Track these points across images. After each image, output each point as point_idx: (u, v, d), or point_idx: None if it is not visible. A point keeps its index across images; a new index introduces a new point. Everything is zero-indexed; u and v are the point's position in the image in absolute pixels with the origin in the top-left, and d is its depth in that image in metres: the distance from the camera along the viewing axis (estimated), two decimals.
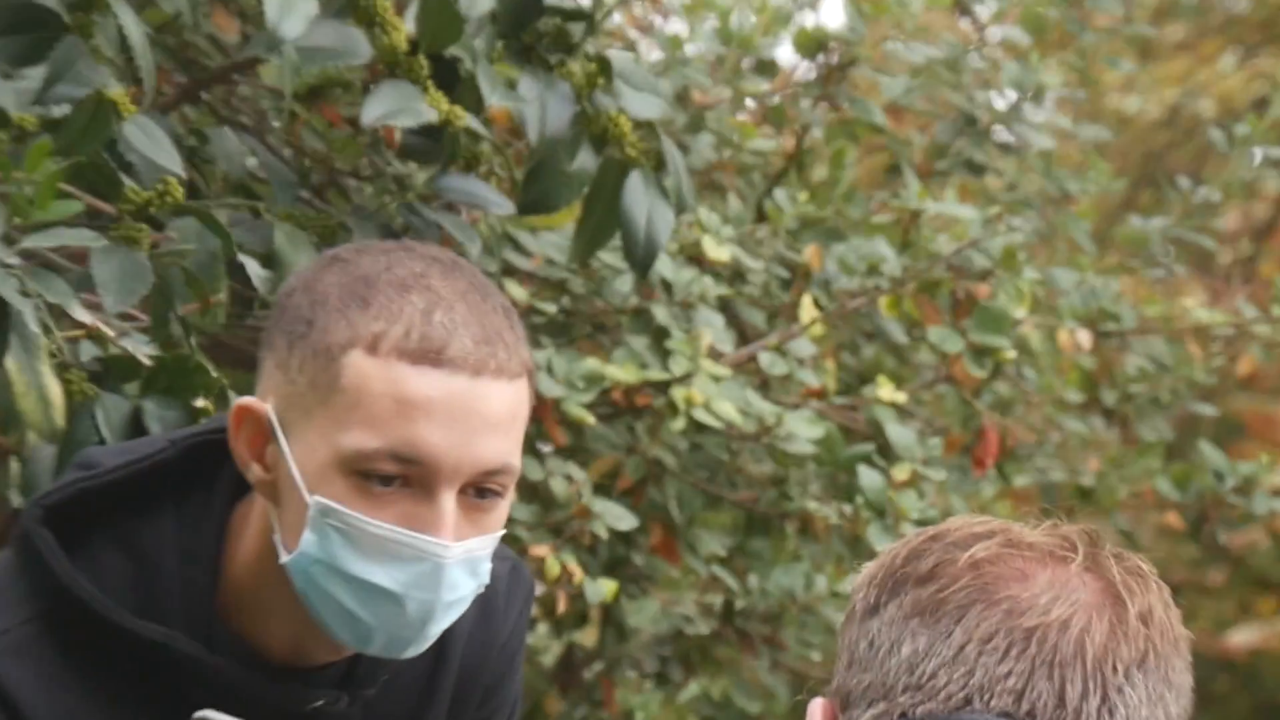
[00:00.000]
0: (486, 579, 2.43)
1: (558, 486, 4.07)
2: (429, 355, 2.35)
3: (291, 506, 2.40)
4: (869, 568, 1.98)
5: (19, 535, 2.47)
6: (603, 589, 4.19)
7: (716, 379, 4.06)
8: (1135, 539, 5.38)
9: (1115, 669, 1.90)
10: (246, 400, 2.42)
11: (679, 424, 4.05)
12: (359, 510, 2.36)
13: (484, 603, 2.48)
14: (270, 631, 2.48)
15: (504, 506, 2.41)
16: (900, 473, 4.18)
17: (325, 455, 2.37)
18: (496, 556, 2.49)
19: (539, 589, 4.14)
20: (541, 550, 4.05)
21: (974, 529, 1.94)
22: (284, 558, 2.41)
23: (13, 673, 2.42)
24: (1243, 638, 14.32)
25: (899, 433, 4.24)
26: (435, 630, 2.42)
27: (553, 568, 4.06)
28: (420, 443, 2.34)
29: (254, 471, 2.43)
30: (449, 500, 2.36)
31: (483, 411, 2.36)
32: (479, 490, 2.39)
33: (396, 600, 2.39)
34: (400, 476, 2.36)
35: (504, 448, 2.37)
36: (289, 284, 2.46)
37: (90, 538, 2.48)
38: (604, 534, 4.14)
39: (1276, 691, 16.23)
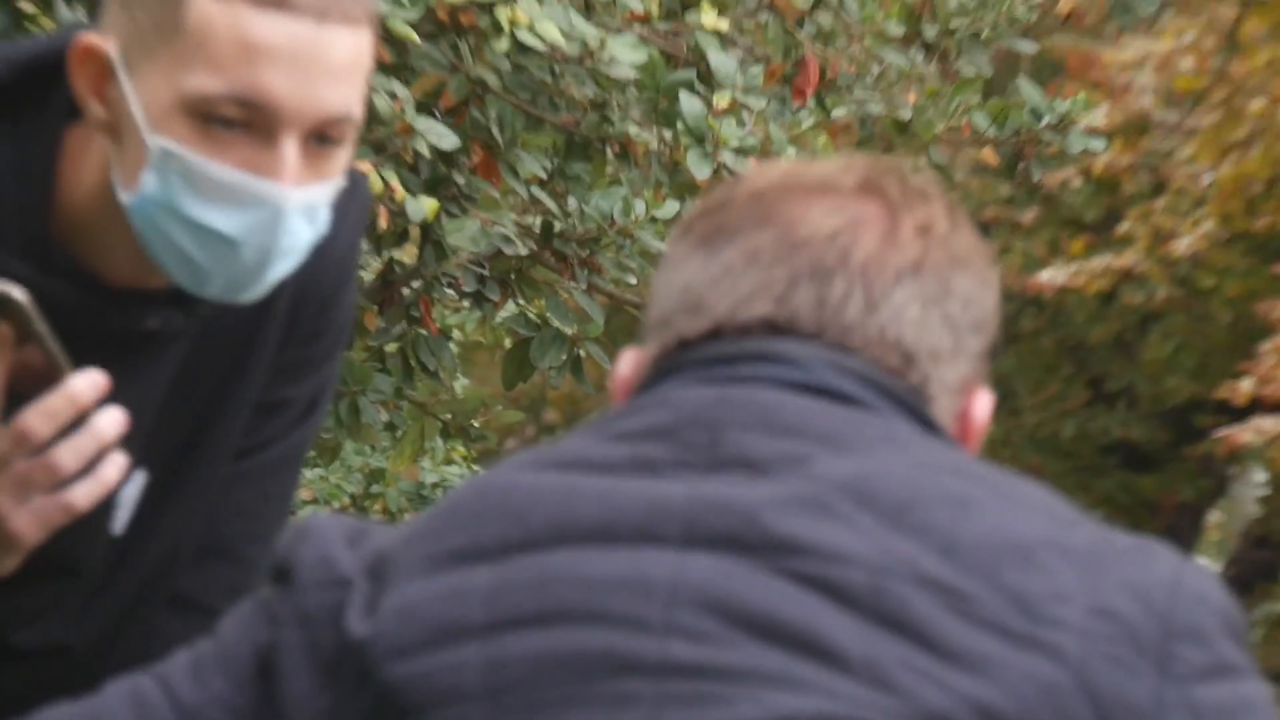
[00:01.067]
0: (324, 228, 2.47)
1: (381, 103, 4.09)
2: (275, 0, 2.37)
3: (132, 146, 2.41)
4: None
5: None
6: (424, 207, 4.24)
7: (541, 1, 4.08)
8: (950, 173, 5.45)
9: (882, 274, 1.98)
10: (87, 38, 2.42)
11: (503, 44, 4.06)
12: (200, 153, 2.38)
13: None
14: (108, 258, 2.51)
15: (344, 154, 2.43)
16: (720, 100, 4.22)
17: (167, 97, 2.38)
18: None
19: None
20: (364, 166, 4.06)
21: (768, 168, 2.02)
22: (123, 198, 2.43)
23: None
24: (1051, 276, 14.52)
25: (720, 60, 4.27)
26: (272, 276, 2.46)
27: (375, 184, 4.09)
28: (263, 87, 2.36)
29: (94, 110, 2.44)
30: (290, 146, 2.38)
31: (326, 58, 2.37)
32: (320, 138, 2.41)
33: (234, 245, 2.41)
34: (242, 121, 2.38)
35: (346, 95, 2.40)
36: None
37: None
38: (426, 152, 4.16)
39: (1081, 329, 16.52)
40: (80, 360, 2.33)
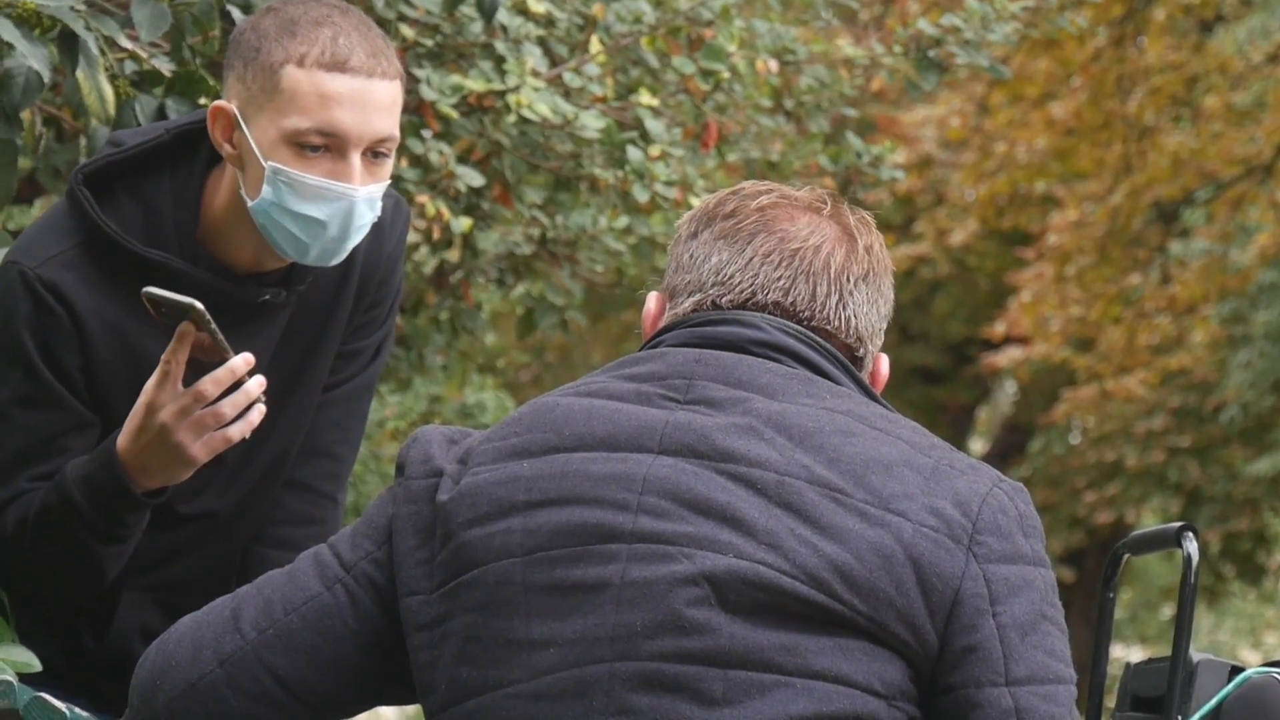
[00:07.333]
0: (379, 211, 2.48)
1: (434, 158, 4.09)
2: (338, 65, 2.38)
3: (253, 169, 2.43)
4: (692, 210, 2.07)
5: (68, 189, 2.49)
6: (462, 224, 4.24)
7: (536, 89, 4.07)
8: None
9: (848, 279, 2.00)
10: (219, 102, 2.45)
11: (512, 118, 4.06)
12: (297, 169, 2.41)
13: (376, 226, 2.53)
14: (235, 252, 2.51)
15: (390, 163, 2.46)
16: (654, 151, 4.22)
17: (274, 134, 2.40)
18: (387, 196, 2.54)
19: (422, 224, 4.18)
20: (423, 199, 4.08)
21: (760, 188, 2.03)
22: (250, 204, 2.44)
23: (67, 278, 2.45)
24: None
25: (653, 125, 4.27)
26: (349, 245, 2.48)
27: (430, 210, 4.10)
28: (336, 122, 2.39)
29: (226, 149, 2.46)
30: (356, 159, 2.41)
31: (374, 100, 2.40)
32: (374, 153, 2.44)
33: (325, 226, 2.43)
34: (324, 146, 2.40)
35: (388, 124, 2.42)
36: (240, 26, 2.48)
37: (115, 193, 2.49)
38: (463, 189, 4.17)
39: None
40: (219, 323, 2.35)
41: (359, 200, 2.42)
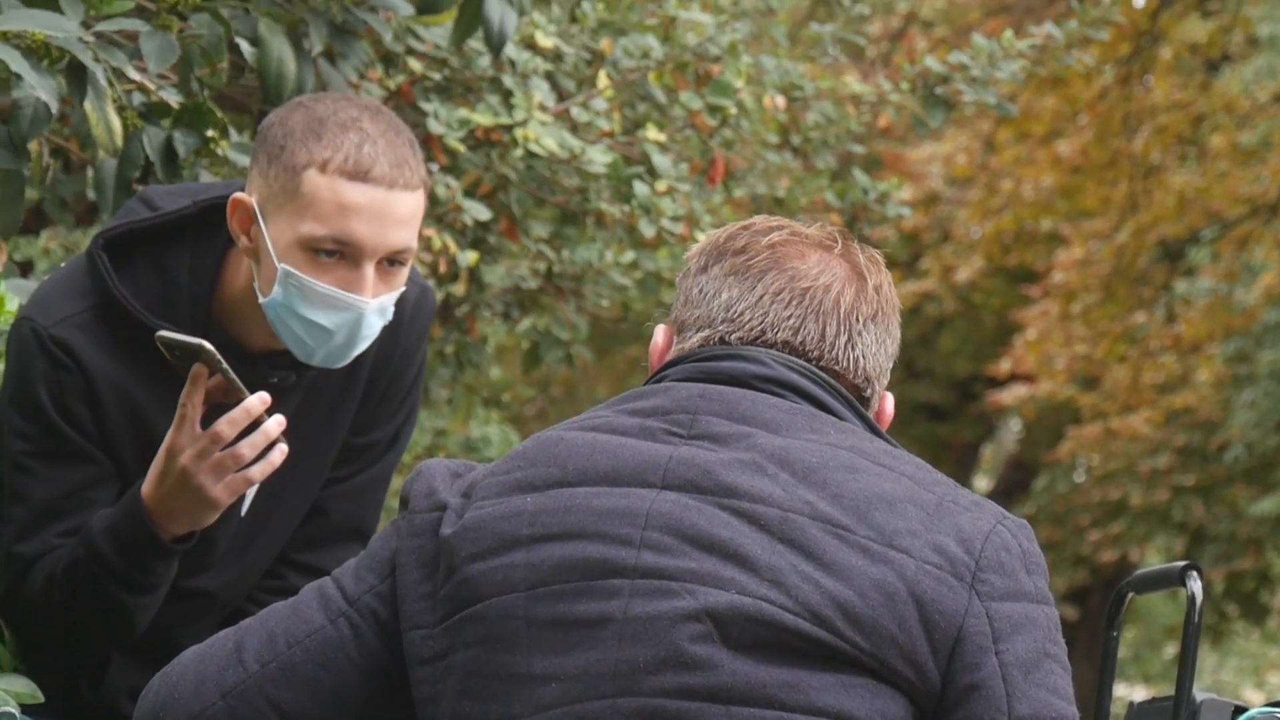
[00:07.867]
0: (390, 317, 2.45)
1: (440, 191, 4.09)
2: (360, 174, 2.36)
3: (266, 266, 2.42)
4: (700, 243, 2.05)
5: (88, 252, 2.49)
6: (468, 257, 4.24)
7: (543, 124, 4.08)
8: None
9: (857, 319, 1.99)
10: (239, 194, 2.44)
11: (519, 152, 4.07)
12: (310, 275, 2.39)
13: (395, 318, 2.51)
14: (249, 332, 2.50)
15: (405, 271, 2.44)
16: (660, 186, 4.22)
17: (290, 237, 2.39)
18: (412, 285, 2.52)
19: (428, 258, 4.18)
20: (430, 232, 4.08)
21: (770, 224, 2.02)
22: (261, 300, 2.44)
23: (79, 339, 2.45)
24: None
25: (660, 160, 4.28)
26: (355, 351, 2.46)
27: (436, 243, 4.10)
28: (352, 233, 2.37)
29: (243, 241, 2.45)
30: (369, 270, 2.39)
31: (394, 212, 2.38)
32: (390, 261, 2.42)
33: (331, 334, 2.42)
34: (338, 253, 2.39)
35: (407, 235, 2.41)
36: (269, 119, 2.45)
37: (134, 260, 2.49)
38: (470, 222, 4.17)
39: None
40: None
41: (369, 311, 2.41)
